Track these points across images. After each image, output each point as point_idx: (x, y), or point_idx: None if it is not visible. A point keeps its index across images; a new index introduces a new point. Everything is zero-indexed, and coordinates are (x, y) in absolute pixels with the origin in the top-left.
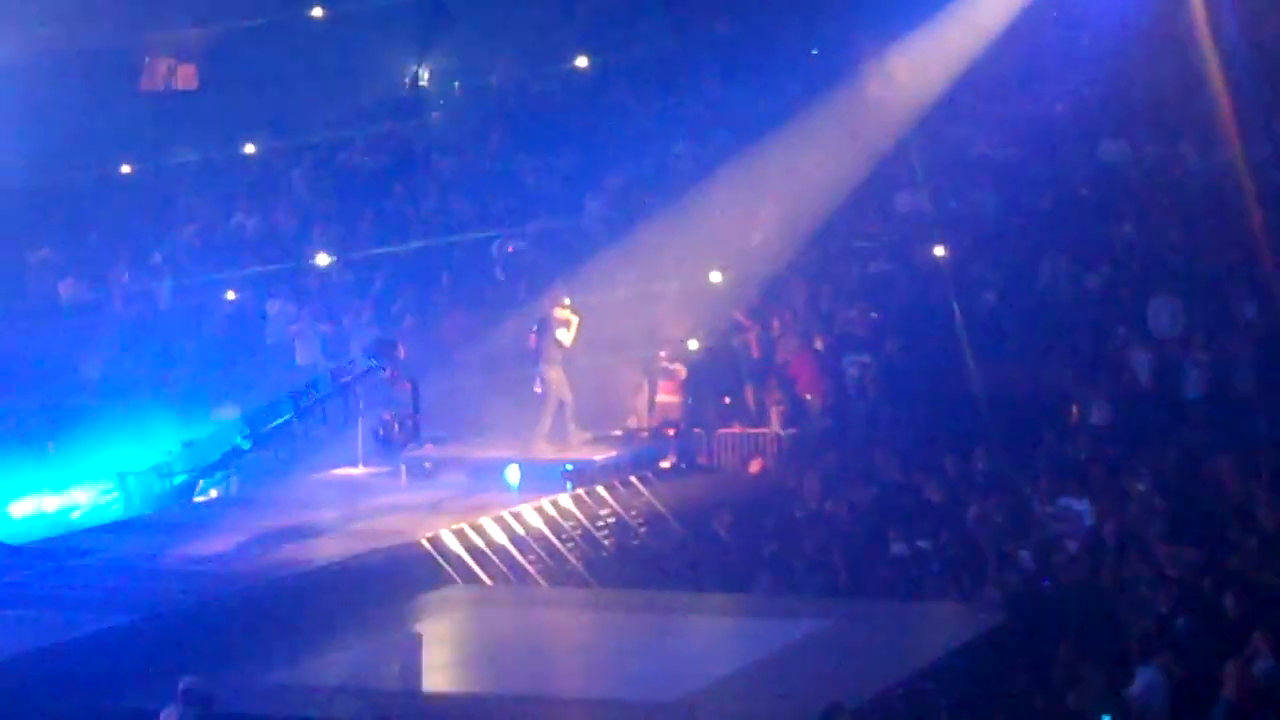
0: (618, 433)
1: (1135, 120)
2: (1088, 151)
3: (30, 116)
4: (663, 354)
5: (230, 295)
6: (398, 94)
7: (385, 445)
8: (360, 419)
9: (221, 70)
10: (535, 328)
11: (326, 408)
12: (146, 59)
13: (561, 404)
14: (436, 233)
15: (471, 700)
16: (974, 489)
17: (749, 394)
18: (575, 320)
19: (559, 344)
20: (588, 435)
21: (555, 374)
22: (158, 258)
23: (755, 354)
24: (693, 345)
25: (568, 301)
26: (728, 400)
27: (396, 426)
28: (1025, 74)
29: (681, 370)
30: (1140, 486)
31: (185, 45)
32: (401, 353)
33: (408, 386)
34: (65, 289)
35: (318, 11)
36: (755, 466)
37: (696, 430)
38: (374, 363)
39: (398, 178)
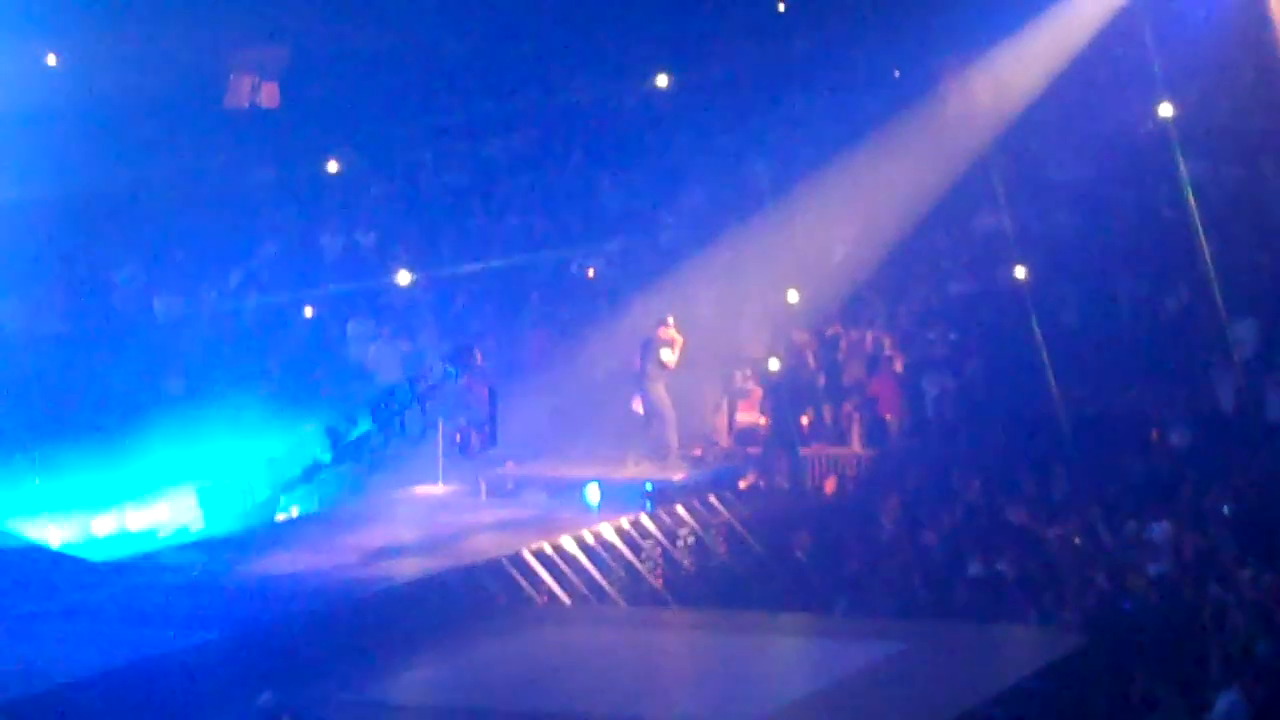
0: (697, 452)
1: (1217, 141)
2: (1169, 172)
3: (116, 134)
4: (741, 373)
5: (308, 312)
6: (479, 112)
7: (463, 452)
8: (439, 432)
9: (304, 88)
10: (640, 348)
11: (406, 418)
12: (230, 76)
13: (664, 420)
14: (517, 252)
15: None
16: (1053, 511)
17: (828, 413)
18: (679, 340)
19: (663, 364)
20: (682, 460)
21: (659, 391)
22: (239, 275)
23: (819, 373)
24: (773, 365)
25: (671, 321)
26: (808, 420)
27: (474, 433)
28: (1107, 93)
29: (758, 390)
30: (1221, 509)
31: (268, 63)
32: (479, 359)
33: (485, 392)
34: (159, 305)
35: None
36: (830, 485)
37: (776, 450)
38: (451, 369)
39: (478, 196)
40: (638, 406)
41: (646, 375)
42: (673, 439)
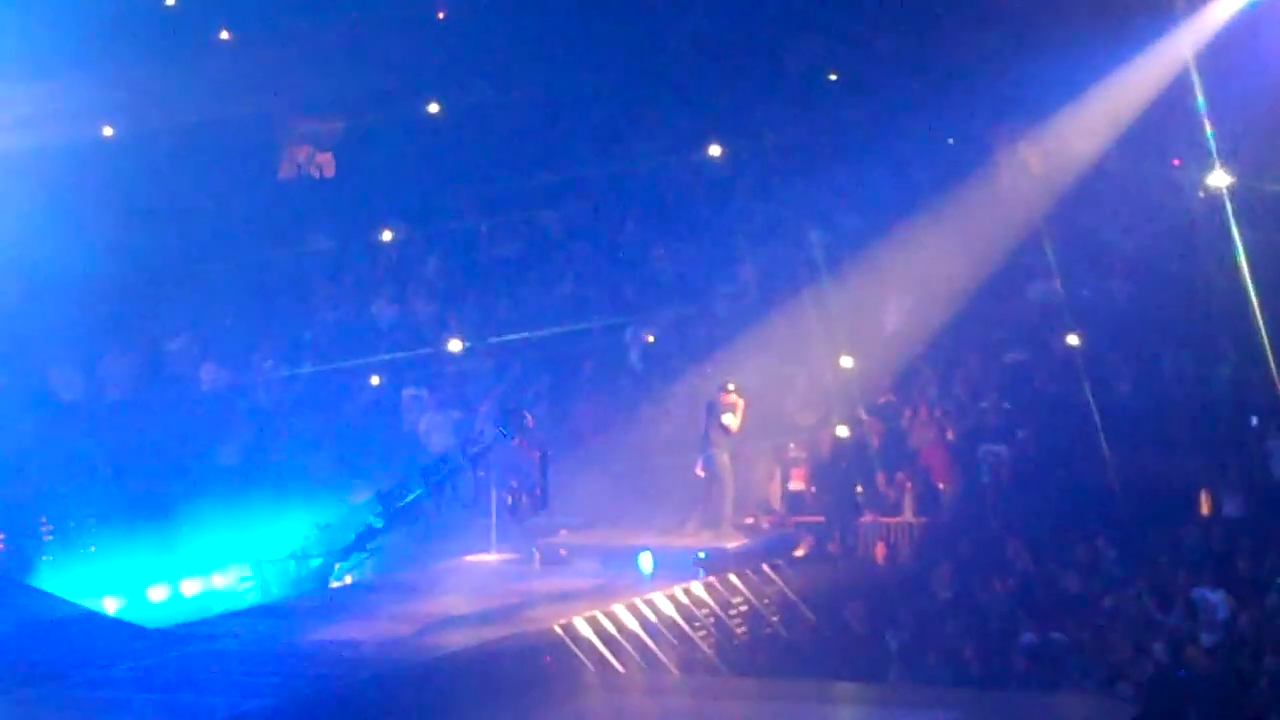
0: (750, 520)
1: (1270, 208)
2: (1222, 240)
3: (171, 204)
4: (795, 443)
5: (374, 380)
6: (533, 181)
7: (513, 514)
8: (492, 497)
9: (358, 158)
10: (704, 412)
11: (458, 482)
12: (285, 147)
13: (724, 489)
14: (571, 320)
15: None
16: (1108, 580)
17: (882, 482)
18: (741, 404)
19: (725, 429)
20: (737, 529)
21: (724, 459)
22: (294, 344)
23: (878, 444)
24: (841, 432)
25: (732, 386)
26: (860, 489)
27: (525, 496)
28: (1159, 162)
29: (811, 459)
30: (1276, 579)
31: (323, 134)
32: (530, 421)
33: (536, 455)
34: (206, 374)
35: (435, 107)
36: (883, 553)
37: (829, 519)
38: (503, 432)
39: (533, 265)
40: (700, 471)
41: (710, 441)
42: (728, 508)
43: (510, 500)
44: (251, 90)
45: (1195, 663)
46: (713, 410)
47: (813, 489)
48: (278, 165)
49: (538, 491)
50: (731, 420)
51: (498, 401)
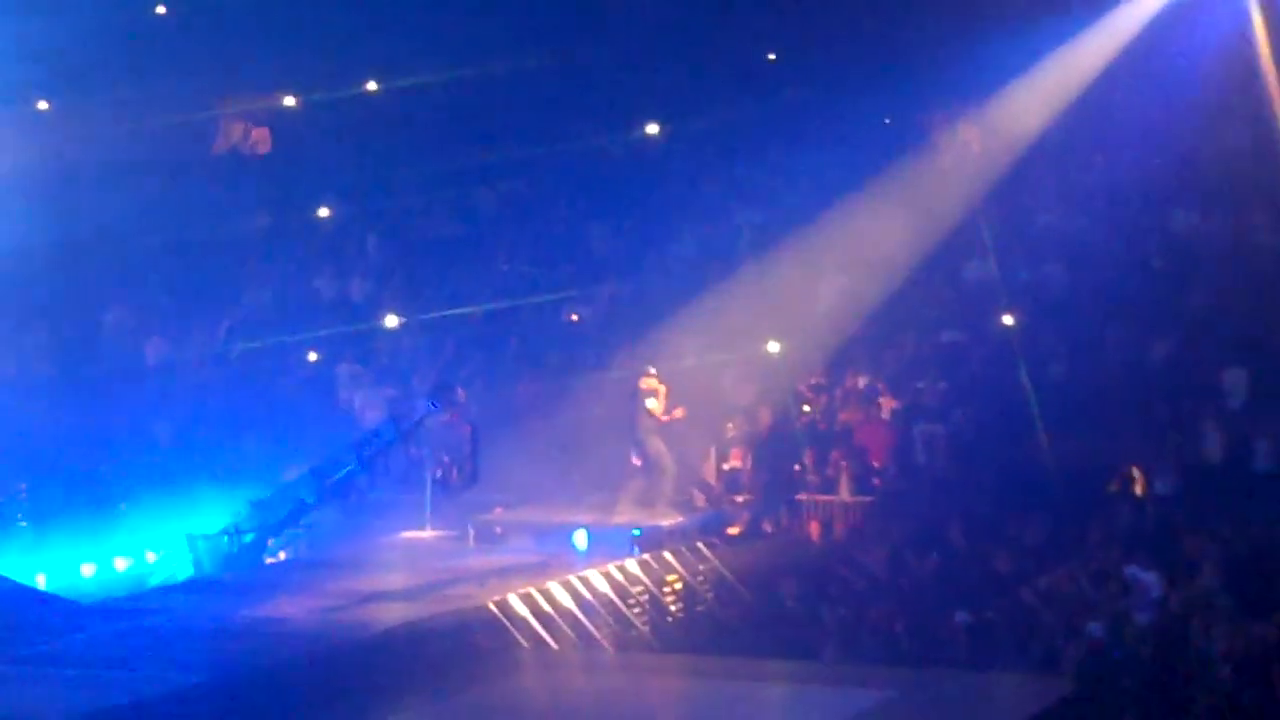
0: (684, 499)
1: (1206, 189)
2: (1157, 221)
3: (105, 179)
4: (731, 423)
5: (310, 356)
6: (468, 159)
7: (443, 488)
8: (426, 475)
9: (294, 135)
10: (629, 401)
11: (390, 458)
12: (221, 121)
13: (662, 472)
14: (504, 297)
15: None
16: (1042, 559)
17: (815, 461)
18: (663, 389)
19: (650, 414)
20: (674, 509)
21: (655, 443)
22: (228, 320)
23: (812, 423)
24: (776, 411)
25: (653, 371)
26: (796, 468)
27: (455, 471)
28: (1095, 143)
29: (746, 438)
30: (1209, 559)
31: (259, 110)
32: (461, 396)
33: (467, 430)
34: (151, 350)
35: (373, 85)
36: (815, 530)
37: (764, 497)
38: (433, 406)
39: (468, 243)
40: (636, 460)
41: (639, 427)
42: (669, 489)
43: (440, 474)
44: (188, 64)
45: (1129, 642)
46: (635, 397)
47: (748, 467)
48: (213, 140)
49: (468, 466)
50: (655, 405)
51: (432, 378)
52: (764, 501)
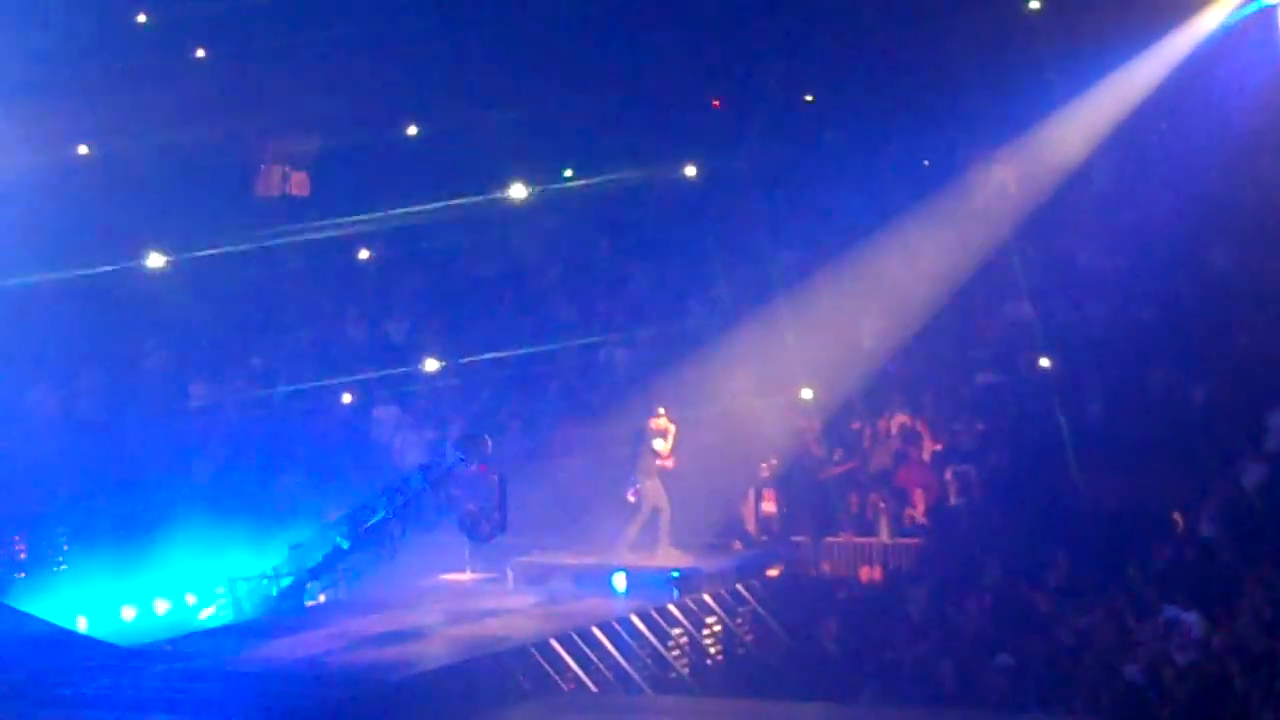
0: (723, 540)
1: (1242, 227)
2: (1194, 260)
3: (148, 222)
4: (766, 463)
5: (346, 398)
6: (509, 203)
7: (471, 536)
8: (456, 523)
9: (334, 178)
10: (633, 440)
11: (421, 505)
12: (261, 166)
13: (657, 513)
14: (543, 340)
15: None
16: (1082, 600)
17: (856, 503)
18: (672, 429)
19: (655, 454)
20: (678, 551)
21: (652, 485)
22: (268, 363)
23: (852, 465)
24: (816, 452)
25: (663, 411)
26: (836, 509)
27: (483, 520)
28: (1132, 182)
29: (785, 479)
30: (1250, 601)
31: (299, 152)
32: (488, 447)
33: (494, 479)
34: (195, 392)
35: (413, 129)
36: (866, 574)
37: (803, 539)
38: (461, 457)
39: (508, 286)
40: (631, 497)
41: (639, 466)
42: (665, 533)
43: (468, 522)
44: (227, 109)
45: (1169, 683)
46: (641, 436)
47: (786, 509)
48: (253, 184)
49: (496, 515)
50: (662, 445)
51: (469, 421)
52: (802, 543)
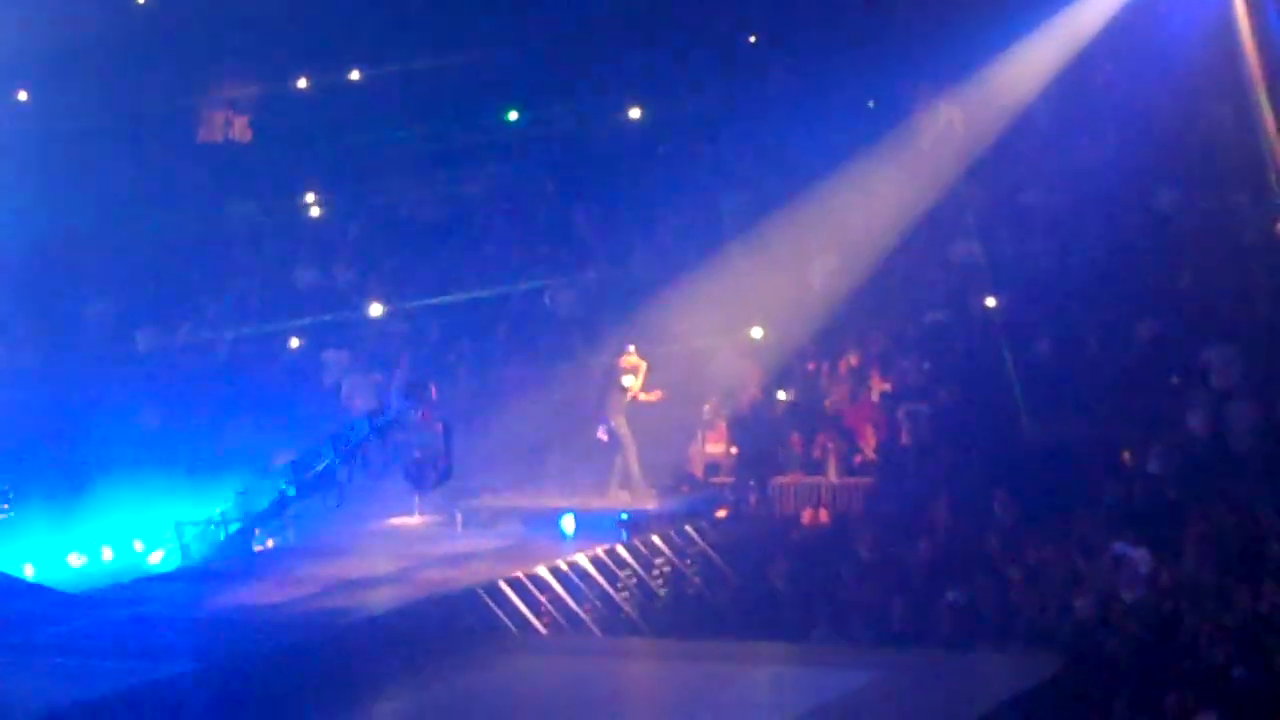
0: (671, 482)
1: (1188, 168)
2: (1141, 200)
3: (87, 169)
4: (709, 405)
5: (294, 343)
6: (452, 144)
7: (416, 484)
8: (402, 470)
9: (277, 123)
10: (604, 377)
11: (367, 451)
12: (203, 111)
13: (625, 451)
14: (491, 283)
15: None
16: (1031, 538)
17: (802, 442)
18: (643, 366)
19: (624, 391)
20: (650, 488)
21: (620, 421)
22: (214, 309)
23: (799, 405)
24: (763, 393)
25: (633, 349)
26: (781, 450)
27: (429, 467)
28: (1078, 122)
29: (722, 421)
30: (1196, 536)
31: (241, 98)
32: (433, 394)
33: (439, 428)
34: (143, 338)
35: (356, 74)
36: (808, 516)
37: (752, 480)
38: (406, 404)
39: (453, 229)
40: (603, 435)
41: (609, 404)
42: (635, 469)
43: (413, 470)
44: (169, 53)
45: (1117, 620)
46: (611, 374)
47: (731, 450)
48: (196, 129)
49: (441, 463)
50: (633, 382)
51: (414, 364)
52: (749, 483)
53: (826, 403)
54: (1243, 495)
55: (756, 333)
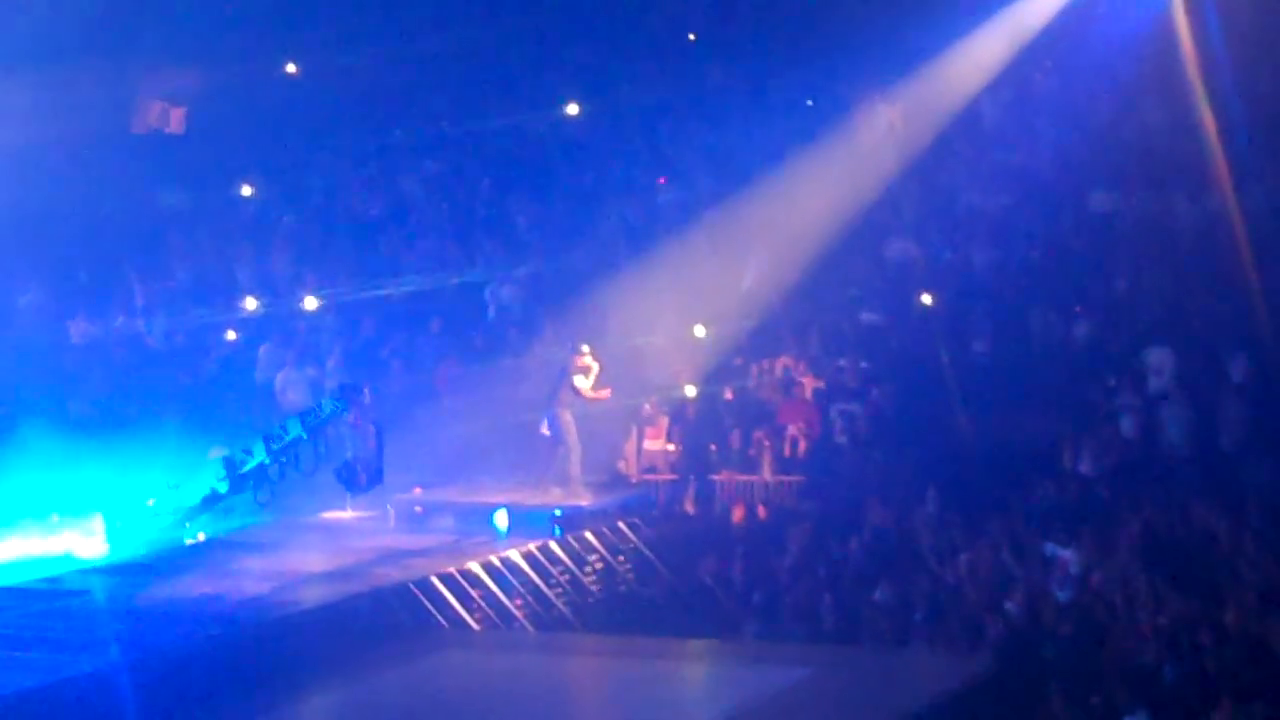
0: (606, 479)
1: (1126, 169)
2: (1078, 201)
3: (20, 158)
4: (648, 402)
5: (230, 335)
6: (390, 138)
7: (347, 486)
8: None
9: (212, 114)
10: (557, 375)
11: (299, 451)
12: (137, 101)
13: (569, 449)
14: (426, 277)
15: None
16: (962, 537)
17: (738, 441)
18: (595, 367)
19: (575, 390)
20: (585, 485)
21: (568, 418)
22: (147, 300)
23: (734, 403)
24: (689, 392)
25: (587, 349)
26: (716, 447)
27: (359, 469)
28: (1015, 123)
29: (664, 418)
30: (1128, 537)
31: (176, 89)
32: (366, 397)
33: (372, 430)
34: (75, 329)
35: (292, 67)
36: (738, 515)
37: (686, 477)
38: (338, 408)
39: (390, 223)
40: (545, 430)
41: (557, 401)
42: (576, 467)
43: (345, 473)
44: (105, 43)
45: (1048, 620)
46: (564, 372)
47: (669, 447)
48: (130, 120)
49: (373, 466)
50: (583, 382)
51: (352, 361)
52: (684, 481)
53: (761, 400)
54: (1174, 497)
55: (699, 331)
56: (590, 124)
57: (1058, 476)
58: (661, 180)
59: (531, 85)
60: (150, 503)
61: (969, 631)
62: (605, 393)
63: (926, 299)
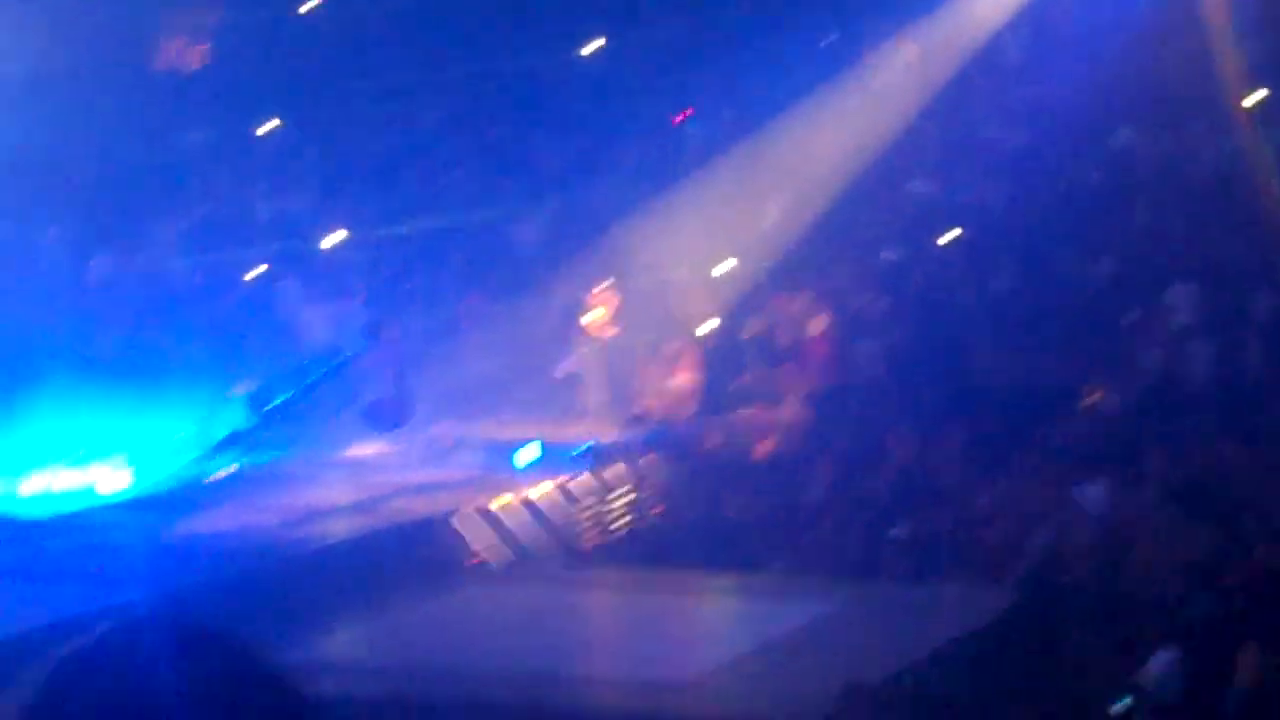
0: (629, 415)
1: (1146, 106)
2: (1098, 138)
3: (39, 96)
4: (671, 339)
5: (253, 272)
6: (412, 75)
7: (373, 426)
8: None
9: (233, 51)
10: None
11: (324, 388)
12: (160, 37)
13: (588, 387)
14: (449, 214)
15: (483, 679)
16: (985, 475)
17: (760, 378)
18: (614, 301)
19: (594, 325)
20: (611, 421)
21: (588, 354)
22: (169, 238)
23: (757, 340)
24: (712, 328)
25: (603, 286)
26: (740, 383)
27: (385, 406)
28: (1035, 59)
29: (687, 355)
30: (1153, 473)
31: (198, 24)
32: (392, 333)
33: (397, 370)
34: (96, 266)
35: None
36: (761, 451)
37: (708, 414)
38: (364, 343)
39: (412, 158)
40: (560, 372)
41: (575, 338)
42: (599, 404)
43: (371, 413)
44: None
45: (1072, 555)
46: (581, 309)
47: (692, 384)
48: (152, 56)
49: (399, 405)
50: (592, 319)
51: (371, 296)
52: (709, 417)
53: (783, 337)
54: (1199, 433)
55: (722, 267)
56: (611, 61)
57: (1081, 413)
58: (685, 114)
59: (553, 21)
60: (176, 436)
61: (993, 567)
62: (610, 330)
63: (948, 236)
